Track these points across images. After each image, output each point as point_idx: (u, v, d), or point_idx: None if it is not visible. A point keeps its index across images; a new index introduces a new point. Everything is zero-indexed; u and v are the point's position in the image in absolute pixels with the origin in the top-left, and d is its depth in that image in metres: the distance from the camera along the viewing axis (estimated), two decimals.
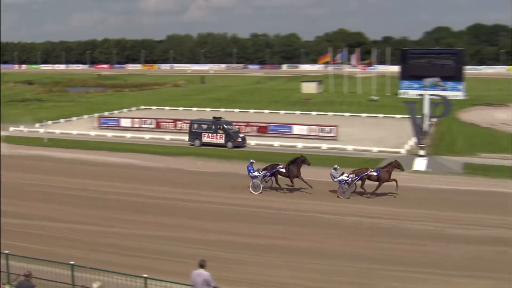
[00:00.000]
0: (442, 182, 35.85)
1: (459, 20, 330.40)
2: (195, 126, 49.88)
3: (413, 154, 43.07)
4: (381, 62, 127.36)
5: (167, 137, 52.91)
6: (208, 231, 25.97)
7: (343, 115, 69.55)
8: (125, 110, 74.61)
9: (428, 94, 43.93)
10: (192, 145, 49.00)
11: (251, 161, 34.22)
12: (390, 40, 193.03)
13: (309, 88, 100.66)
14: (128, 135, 54.55)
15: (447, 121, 59.54)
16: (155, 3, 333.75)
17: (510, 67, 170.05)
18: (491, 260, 22.74)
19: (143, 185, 34.84)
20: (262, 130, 54.09)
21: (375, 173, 32.37)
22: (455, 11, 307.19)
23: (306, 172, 35.17)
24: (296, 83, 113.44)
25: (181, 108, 76.59)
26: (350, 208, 29.84)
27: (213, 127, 48.99)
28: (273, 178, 33.86)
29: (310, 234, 25.83)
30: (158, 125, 57.71)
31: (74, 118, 66.77)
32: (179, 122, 57.24)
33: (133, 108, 76.73)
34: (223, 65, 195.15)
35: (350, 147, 47.21)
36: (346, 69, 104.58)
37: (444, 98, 44.94)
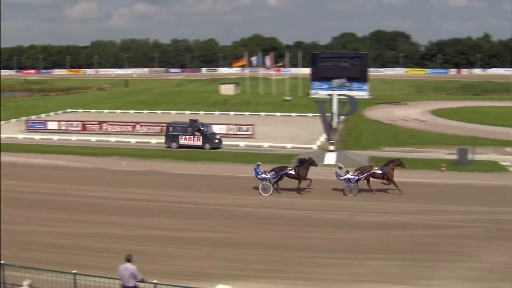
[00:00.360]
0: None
1: (363, 26, 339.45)
2: (171, 128, 48.00)
3: (324, 149, 43.75)
4: (294, 65, 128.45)
5: (93, 138, 51.90)
6: (134, 227, 25.64)
7: (259, 114, 70.02)
8: (51, 113, 72.64)
9: (336, 94, 44.63)
10: (169, 147, 47.36)
11: (258, 163, 32.54)
12: (301, 45, 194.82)
13: (227, 90, 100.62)
14: (55, 137, 53.11)
15: (354, 119, 60.81)
16: (80, 11, 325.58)
17: (408, 69, 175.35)
18: (395, 243, 23.46)
19: (71, 185, 33.96)
20: None
21: (380, 171, 32.14)
22: (359, 19, 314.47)
23: (229, 168, 35.28)
24: (215, 85, 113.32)
25: (106, 111, 75.17)
26: (267, 201, 30.06)
27: (190, 129, 47.40)
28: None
29: (231, 226, 25.87)
30: (84, 127, 56.48)
31: (2, 122, 64.23)
32: (104, 124, 56.33)
33: (60, 111, 74.76)
34: (146, 69, 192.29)
35: (266, 144, 47.58)
36: (261, 71, 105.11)
37: (350, 97, 45.71)
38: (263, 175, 31.69)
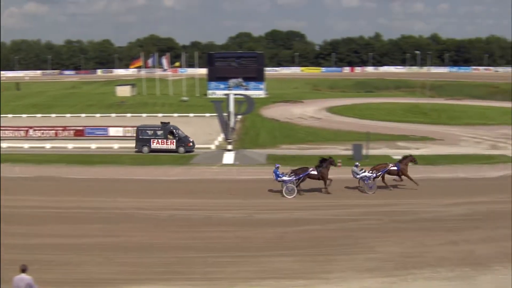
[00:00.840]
0: (248, 173, 37.02)
1: (259, 26, 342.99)
2: (142, 132, 45.76)
3: (222, 149, 43.93)
4: (190, 65, 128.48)
5: None
6: (28, 236, 24.61)
7: (156, 115, 69.07)
8: None
9: (232, 94, 45.00)
10: (140, 152, 45.19)
11: (277, 165, 31.82)
12: (198, 45, 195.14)
13: (123, 91, 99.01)
14: None
15: (251, 118, 61.39)
16: None
17: (303, 68, 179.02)
18: (294, 239, 23.87)
19: None
20: (79, 134, 52.53)
21: (395, 168, 32.60)
22: (254, 19, 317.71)
23: (127, 171, 34.64)
24: (110, 87, 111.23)
25: None
26: (165, 203, 29.78)
27: (162, 132, 45.50)
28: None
29: (129, 230, 25.43)
30: None
31: None
32: None
33: None
34: (39, 71, 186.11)
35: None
36: (158, 72, 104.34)
37: (247, 97, 46.26)
38: (284, 178, 31.15)
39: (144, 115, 69.50)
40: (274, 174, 31.33)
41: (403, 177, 32.79)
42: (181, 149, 45.16)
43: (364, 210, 28.09)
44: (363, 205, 29.10)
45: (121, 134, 52.08)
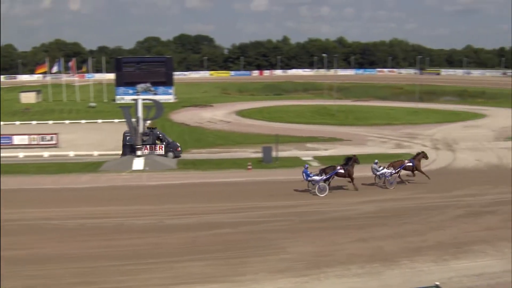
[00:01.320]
0: (159, 178, 36.65)
1: (167, 30, 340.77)
2: (128, 138, 43.06)
3: (131, 155, 43.22)
4: (98, 70, 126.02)
5: None
6: None
7: (63, 122, 67.53)
8: None
9: (141, 99, 44.42)
10: None
11: (306, 166, 32.76)
12: (105, 50, 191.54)
13: (28, 98, 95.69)
14: None
15: (160, 122, 60.73)
16: None
17: (212, 72, 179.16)
18: (205, 243, 23.80)
19: None
20: None
21: (410, 164, 34.70)
22: (163, 23, 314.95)
23: (32, 180, 33.52)
24: (14, 93, 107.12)
25: None
26: (74, 212, 28.96)
27: (150, 137, 43.21)
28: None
29: (37, 241, 24.54)
30: None
31: None
32: None
33: None
34: None
35: (71, 153, 46.07)
36: (64, 78, 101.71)
37: (156, 101, 45.87)
38: (314, 177, 31.75)
39: (50, 122, 67.55)
40: (304, 174, 32.17)
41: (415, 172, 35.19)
42: (170, 154, 43.95)
43: (274, 212, 28.38)
44: (273, 206, 29.40)
45: (26, 142, 50.33)
